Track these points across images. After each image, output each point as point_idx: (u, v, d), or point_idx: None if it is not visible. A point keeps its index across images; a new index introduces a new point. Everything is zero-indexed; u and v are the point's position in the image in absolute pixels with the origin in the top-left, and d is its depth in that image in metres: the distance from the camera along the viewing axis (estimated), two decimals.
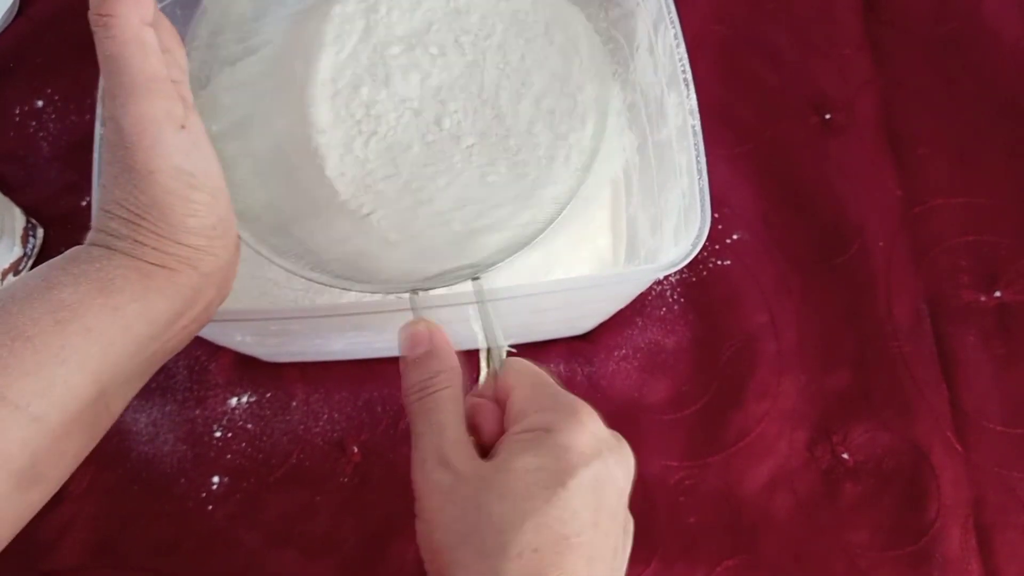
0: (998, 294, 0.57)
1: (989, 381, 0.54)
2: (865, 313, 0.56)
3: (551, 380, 0.35)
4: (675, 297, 0.56)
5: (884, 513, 0.51)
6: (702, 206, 0.42)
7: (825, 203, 0.59)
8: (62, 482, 0.31)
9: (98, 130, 0.41)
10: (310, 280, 0.39)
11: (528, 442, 0.32)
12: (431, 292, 0.39)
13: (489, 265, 0.39)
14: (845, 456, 0.52)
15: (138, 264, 0.32)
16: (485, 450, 0.33)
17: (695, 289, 0.56)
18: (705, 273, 0.57)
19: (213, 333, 0.48)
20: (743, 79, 0.63)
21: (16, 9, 0.63)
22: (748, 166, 0.60)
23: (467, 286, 0.39)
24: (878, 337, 0.55)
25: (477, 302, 0.38)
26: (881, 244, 0.58)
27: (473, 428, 0.34)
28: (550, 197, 0.42)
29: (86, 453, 0.32)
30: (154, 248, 0.32)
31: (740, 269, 0.57)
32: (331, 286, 0.39)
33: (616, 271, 0.49)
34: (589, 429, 0.32)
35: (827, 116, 0.62)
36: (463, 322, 0.42)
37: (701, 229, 0.41)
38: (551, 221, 0.41)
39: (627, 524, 0.34)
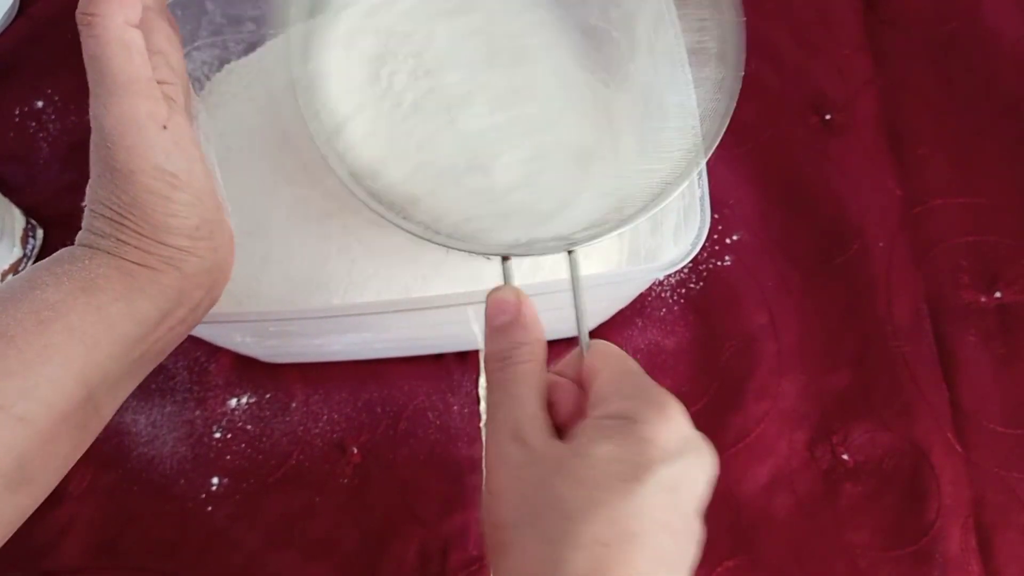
0: (998, 294, 0.57)
1: (989, 381, 0.54)
2: (865, 313, 0.56)
3: (638, 368, 0.33)
4: (675, 298, 0.56)
5: (884, 513, 0.51)
6: (702, 206, 0.42)
7: (825, 203, 0.59)
8: (52, 486, 0.31)
9: None
10: (399, 226, 0.37)
11: (609, 429, 0.30)
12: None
13: (585, 240, 0.37)
14: (845, 456, 0.52)
15: (120, 263, 0.32)
16: (559, 432, 0.32)
17: (695, 290, 0.56)
18: (705, 273, 0.57)
19: (212, 334, 0.48)
20: (743, 79, 0.62)
21: (16, 9, 0.63)
22: (748, 166, 0.60)
23: (463, 285, 0.39)
24: (878, 337, 0.55)
25: (571, 276, 0.36)
26: (881, 244, 0.58)
27: (550, 406, 0.32)
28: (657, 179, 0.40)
29: (76, 456, 0.32)
30: (136, 247, 0.32)
31: (740, 269, 0.57)
32: (421, 236, 0.37)
33: (616, 271, 0.49)
34: (675, 425, 0.30)
35: (827, 116, 0.62)
36: (462, 323, 0.42)
37: (701, 229, 0.41)
38: (656, 200, 0.39)
39: (697, 532, 0.32)
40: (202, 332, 0.47)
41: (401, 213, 0.39)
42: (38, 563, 0.48)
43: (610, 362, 0.33)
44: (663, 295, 0.56)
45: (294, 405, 0.52)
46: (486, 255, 0.37)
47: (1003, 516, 0.51)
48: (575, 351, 0.35)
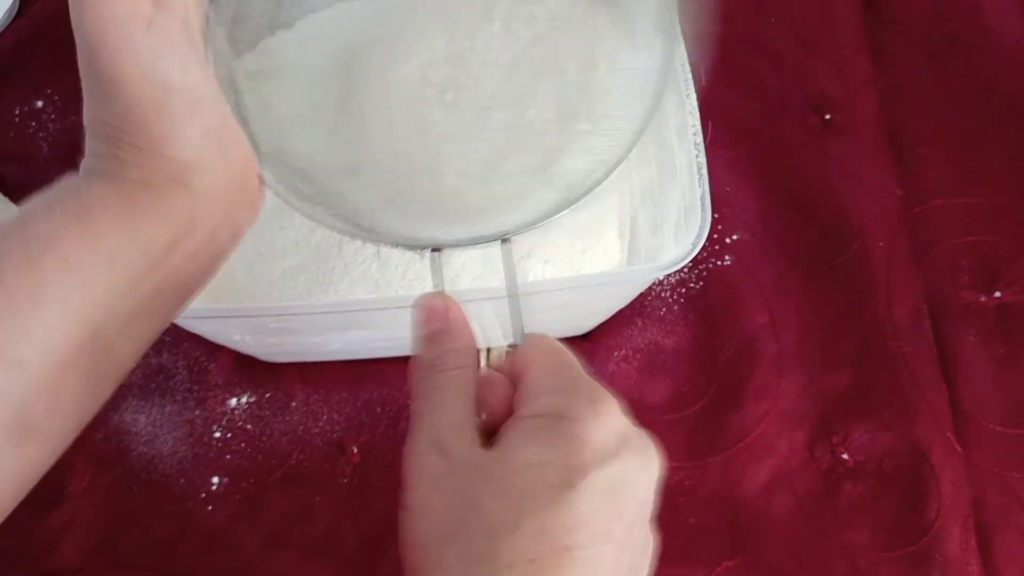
0: (998, 294, 0.57)
1: (989, 381, 0.54)
2: (865, 313, 0.56)
3: (574, 361, 0.30)
4: (675, 298, 0.56)
5: (884, 513, 0.51)
6: (702, 206, 0.42)
7: (825, 203, 0.59)
8: (66, 437, 0.28)
9: None
10: (327, 226, 0.36)
11: (536, 429, 0.27)
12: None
13: (517, 230, 0.36)
14: (845, 456, 0.52)
15: (120, 185, 0.28)
16: (492, 432, 0.29)
17: (695, 289, 0.56)
18: (705, 273, 0.57)
19: (212, 331, 0.48)
20: (743, 79, 0.62)
21: (16, 9, 0.63)
22: (748, 166, 0.60)
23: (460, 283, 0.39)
24: (878, 337, 0.55)
25: (504, 271, 0.34)
26: (881, 244, 0.58)
27: (479, 404, 0.30)
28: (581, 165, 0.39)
29: (96, 403, 0.29)
30: (136, 163, 0.28)
31: (740, 269, 0.57)
32: (351, 235, 0.36)
33: (617, 270, 0.49)
34: (610, 422, 0.28)
35: (827, 116, 0.62)
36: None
37: (701, 229, 0.41)
38: (588, 188, 0.38)
39: (647, 542, 0.29)
40: (201, 329, 0.47)
41: (328, 208, 0.37)
42: (38, 563, 0.48)
43: (542, 355, 0.30)
44: (663, 295, 0.56)
45: (294, 405, 0.52)
46: (416, 249, 0.36)
47: (1003, 516, 0.51)
48: (512, 344, 0.32)
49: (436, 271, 0.34)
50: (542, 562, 0.25)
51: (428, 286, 0.45)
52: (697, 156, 0.43)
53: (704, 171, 0.42)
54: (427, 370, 0.30)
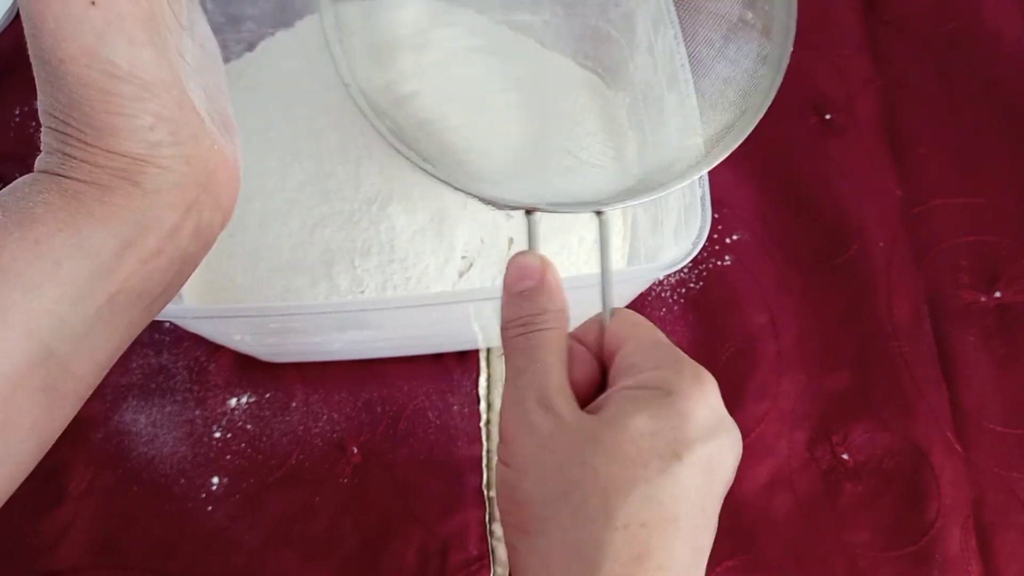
0: (998, 294, 0.57)
1: (989, 381, 0.54)
2: (865, 313, 0.56)
3: (668, 340, 0.31)
4: (675, 297, 0.56)
5: (884, 513, 0.51)
6: (703, 206, 0.42)
7: (825, 203, 0.59)
8: (23, 461, 0.26)
9: None
10: (424, 169, 0.34)
11: (644, 400, 0.28)
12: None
13: (614, 203, 0.36)
14: (845, 456, 0.52)
15: (63, 184, 0.26)
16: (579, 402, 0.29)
17: (694, 289, 0.56)
18: (704, 273, 0.57)
19: (210, 331, 0.48)
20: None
21: (17, 9, 0.63)
22: (748, 166, 0.60)
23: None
24: (878, 337, 0.55)
25: (600, 238, 0.35)
26: (881, 244, 0.58)
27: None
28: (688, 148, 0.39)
29: (54, 426, 0.27)
30: (83, 161, 0.26)
31: (739, 269, 0.57)
32: (443, 180, 0.34)
33: (616, 270, 0.49)
34: (711, 401, 0.28)
35: (827, 116, 0.62)
36: (463, 320, 0.42)
37: (702, 229, 0.41)
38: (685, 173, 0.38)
39: (715, 523, 0.30)
40: (200, 329, 0.47)
41: (422, 153, 0.36)
42: (38, 563, 0.48)
43: (640, 331, 0.31)
44: (663, 295, 0.56)
45: (294, 405, 0.52)
46: (510, 207, 0.35)
47: (1003, 516, 0.51)
48: (593, 318, 0.32)
49: (533, 234, 0.33)
50: (652, 528, 0.26)
51: (433, 288, 0.46)
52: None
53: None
54: (523, 327, 0.30)
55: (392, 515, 0.50)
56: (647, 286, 0.55)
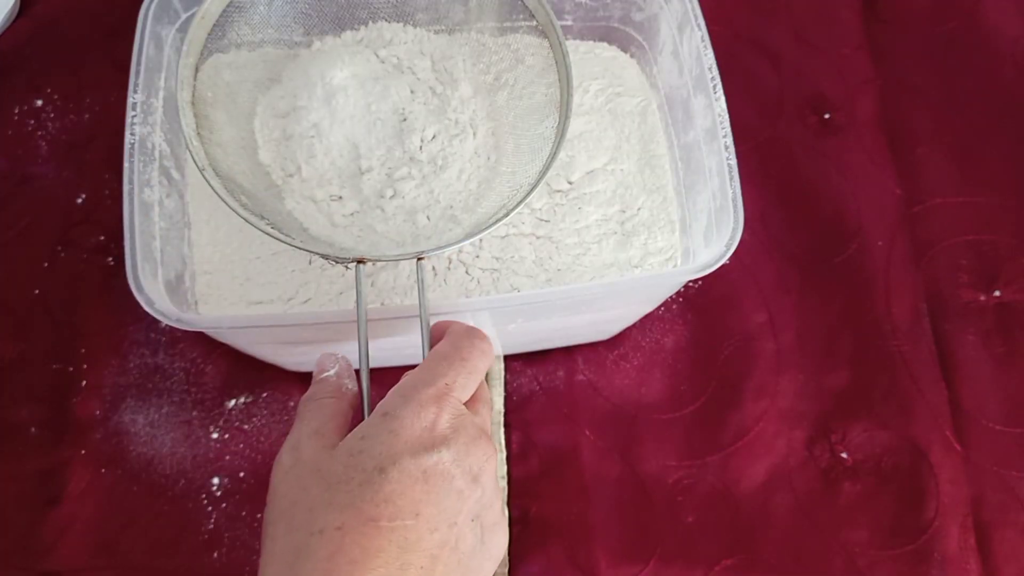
0: (997, 293, 0.57)
1: (988, 380, 0.54)
2: (864, 312, 0.56)
3: (438, 368, 0.35)
4: (674, 296, 0.56)
5: (883, 512, 0.51)
6: (735, 208, 0.42)
7: (824, 202, 0.59)
8: None
9: (127, 139, 0.42)
10: (267, 233, 0.39)
11: (365, 425, 0.33)
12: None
13: (431, 251, 0.40)
14: (844, 455, 0.52)
15: None
16: None
17: (694, 288, 0.56)
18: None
19: (241, 342, 0.47)
20: (743, 79, 0.62)
21: (17, 9, 0.63)
22: (747, 166, 0.60)
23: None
24: (877, 336, 0.55)
25: (418, 280, 0.39)
26: (880, 243, 0.58)
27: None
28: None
29: None
30: None
31: (739, 268, 0.57)
32: (286, 242, 0.39)
33: (649, 274, 0.49)
34: (428, 420, 0.33)
35: (826, 116, 0.62)
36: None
37: (734, 231, 0.41)
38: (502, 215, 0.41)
39: (485, 533, 0.34)
40: (229, 339, 0.46)
41: (262, 214, 0.40)
42: (38, 563, 0.48)
43: (417, 374, 0.35)
44: None
45: (292, 404, 0.52)
46: (344, 261, 0.40)
47: (1002, 514, 0.51)
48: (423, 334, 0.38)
49: (360, 281, 0.38)
50: (348, 529, 0.30)
51: (452, 294, 0.46)
52: (728, 158, 0.43)
53: (735, 172, 0.42)
54: (307, 400, 0.37)
55: None
56: (677, 288, 0.55)
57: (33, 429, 0.51)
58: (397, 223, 0.44)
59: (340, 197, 0.45)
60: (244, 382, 0.53)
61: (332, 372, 0.38)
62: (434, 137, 0.46)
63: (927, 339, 0.55)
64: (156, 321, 0.39)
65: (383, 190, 0.45)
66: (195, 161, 0.39)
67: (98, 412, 0.51)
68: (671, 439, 0.52)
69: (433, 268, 0.46)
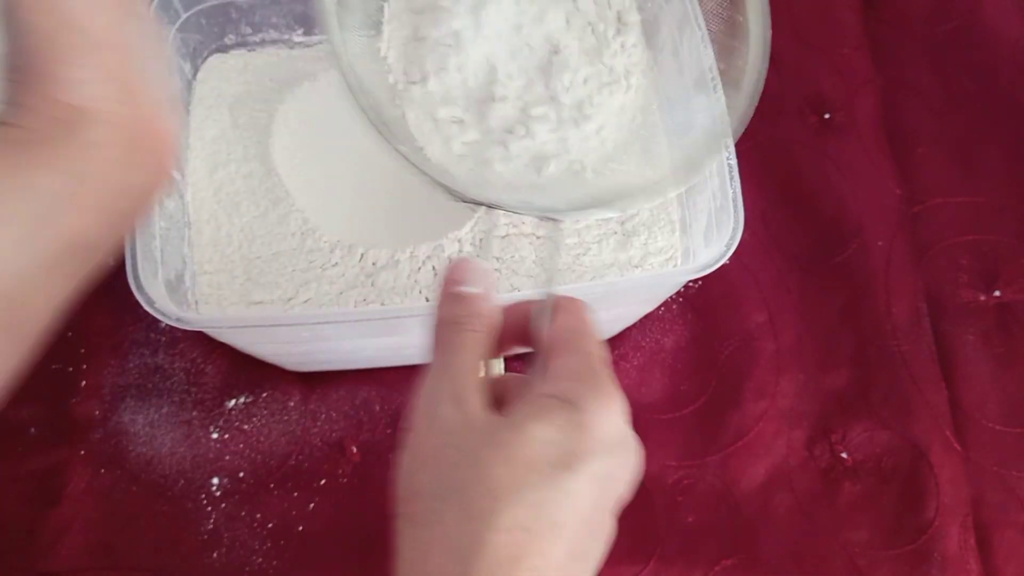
0: (998, 293, 0.57)
1: (988, 380, 0.54)
2: (864, 312, 0.56)
3: (600, 351, 0.32)
4: (674, 296, 0.56)
5: (883, 512, 0.51)
6: (735, 208, 0.42)
7: (824, 202, 0.59)
8: None
9: None
10: (402, 154, 0.34)
11: (549, 409, 0.29)
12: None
13: (564, 211, 0.36)
14: (844, 455, 0.52)
15: (11, 134, 0.27)
16: (497, 397, 0.31)
17: (693, 288, 0.56)
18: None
19: (241, 342, 0.47)
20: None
21: None
22: (747, 165, 0.59)
23: None
24: (877, 336, 0.55)
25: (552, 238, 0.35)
26: (880, 243, 0.58)
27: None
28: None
29: (10, 362, 0.28)
30: (28, 109, 0.27)
31: (739, 268, 0.57)
32: (413, 163, 0.34)
33: (649, 274, 0.49)
34: (615, 419, 0.29)
35: (826, 116, 0.62)
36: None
37: (735, 231, 0.41)
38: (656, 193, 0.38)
39: (609, 530, 0.31)
40: (231, 339, 0.46)
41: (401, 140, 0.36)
42: (37, 563, 0.48)
43: (576, 340, 0.32)
44: None
45: (292, 404, 0.52)
46: (473, 202, 0.35)
47: (1002, 514, 0.51)
48: (544, 305, 0.33)
49: (489, 232, 0.35)
50: (535, 532, 0.27)
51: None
52: (728, 158, 0.43)
53: (735, 172, 0.42)
54: (455, 324, 0.31)
55: (392, 515, 0.50)
56: (678, 288, 0.55)
57: (33, 429, 0.51)
58: (518, 166, 0.40)
59: (462, 120, 0.40)
60: (244, 382, 0.53)
61: (477, 290, 0.32)
62: (586, 81, 0.41)
63: (927, 339, 0.55)
64: (156, 321, 0.39)
65: (513, 126, 0.40)
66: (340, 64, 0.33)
67: (98, 412, 0.51)
68: (671, 439, 0.52)
69: (434, 268, 0.46)
